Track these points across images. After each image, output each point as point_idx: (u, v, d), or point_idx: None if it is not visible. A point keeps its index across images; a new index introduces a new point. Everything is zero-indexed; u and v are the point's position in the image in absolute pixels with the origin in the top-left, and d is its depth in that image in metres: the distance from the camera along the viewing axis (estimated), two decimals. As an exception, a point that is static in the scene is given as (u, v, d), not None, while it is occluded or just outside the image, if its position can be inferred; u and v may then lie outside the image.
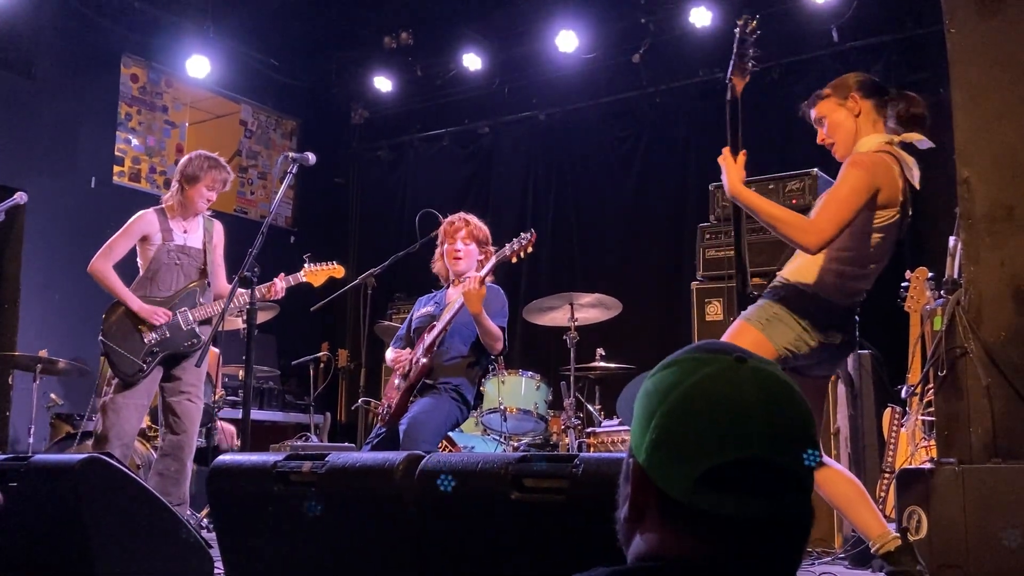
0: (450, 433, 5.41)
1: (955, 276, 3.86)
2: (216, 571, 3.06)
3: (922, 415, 4.53)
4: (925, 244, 6.29)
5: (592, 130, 8.33)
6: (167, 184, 8.24)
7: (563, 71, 8.20)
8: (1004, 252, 3.45)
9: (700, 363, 1.05)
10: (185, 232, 4.83)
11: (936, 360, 3.62)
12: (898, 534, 3.05)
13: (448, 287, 4.66)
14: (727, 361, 1.05)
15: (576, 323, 5.95)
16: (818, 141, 3.37)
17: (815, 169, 5.46)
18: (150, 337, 4.60)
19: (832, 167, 3.51)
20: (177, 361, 4.69)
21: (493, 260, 4.36)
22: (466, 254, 4.54)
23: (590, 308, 6.09)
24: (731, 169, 3.24)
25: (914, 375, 4.58)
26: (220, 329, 4.97)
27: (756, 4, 7.24)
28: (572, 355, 5.87)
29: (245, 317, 4.56)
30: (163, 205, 4.87)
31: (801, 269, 3.21)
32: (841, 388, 4.82)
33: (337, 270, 5.04)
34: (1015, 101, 3.52)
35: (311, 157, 4.38)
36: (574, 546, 2.01)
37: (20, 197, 5.21)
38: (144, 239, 4.78)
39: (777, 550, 1.02)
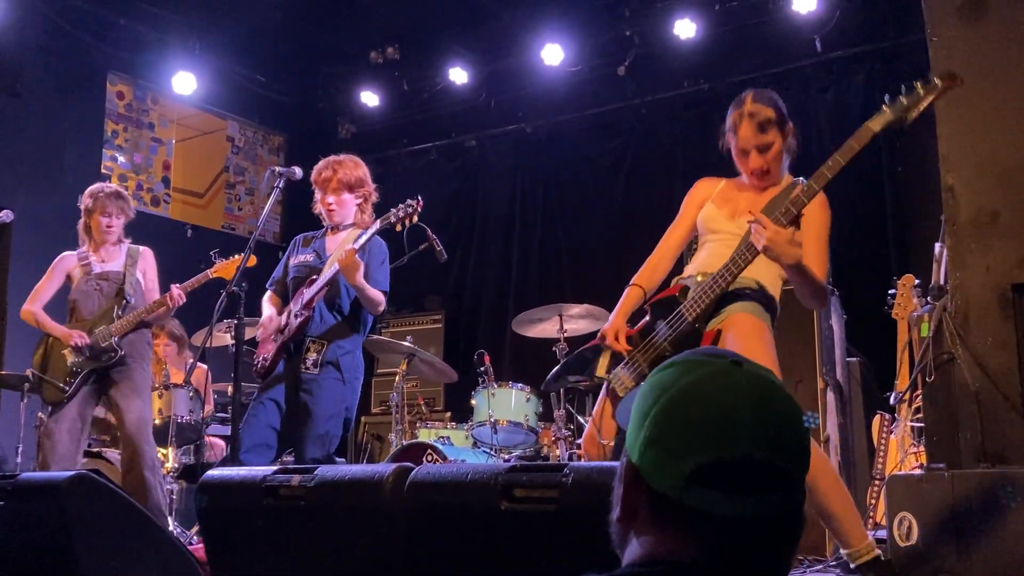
0: (440, 446, 5.41)
1: (941, 282, 3.87)
2: (206, 587, 3.04)
3: (911, 421, 4.54)
4: (911, 251, 6.34)
5: (578, 142, 8.35)
6: (154, 202, 8.26)
7: (549, 84, 8.22)
8: (990, 257, 3.47)
9: (696, 365, 1.07)
10: (103, 262, 5.02)
11: (924, 366, 3.63)
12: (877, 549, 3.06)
13: (326, 232, 4.40)
14: (722, 364, 1.07)
15: (565, 334, 5.95)
16: (756, 166, 3.28)
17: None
18: (72, 360, 4.80)
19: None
20: (107, 377, 4.82)
21: (376, 226, 4.13)
22: (339, 203, 4.28)
23: (579, 319, 6.09)
24: (783, 233, 2.90)
25: (902, 382, 4.59)
26: (208, 346, 4.96)
27: (740, 15, 7.31)
28: (562, 367, 5.86)
29: (233, 333, 4.54)
30: (82, 246, 5.09)
31: (770, 283, 3.23)
32: (831, 396, 4.82)
33: (237, 260, 4.88)
34: (998, 107, 3.54)
35: (298, 171, 4.36)
36: (565, 556, 2.01)
37: (6, 215, 5.24)
38: (69, 278, 5.03)
39: (766, 550, 1.02)
